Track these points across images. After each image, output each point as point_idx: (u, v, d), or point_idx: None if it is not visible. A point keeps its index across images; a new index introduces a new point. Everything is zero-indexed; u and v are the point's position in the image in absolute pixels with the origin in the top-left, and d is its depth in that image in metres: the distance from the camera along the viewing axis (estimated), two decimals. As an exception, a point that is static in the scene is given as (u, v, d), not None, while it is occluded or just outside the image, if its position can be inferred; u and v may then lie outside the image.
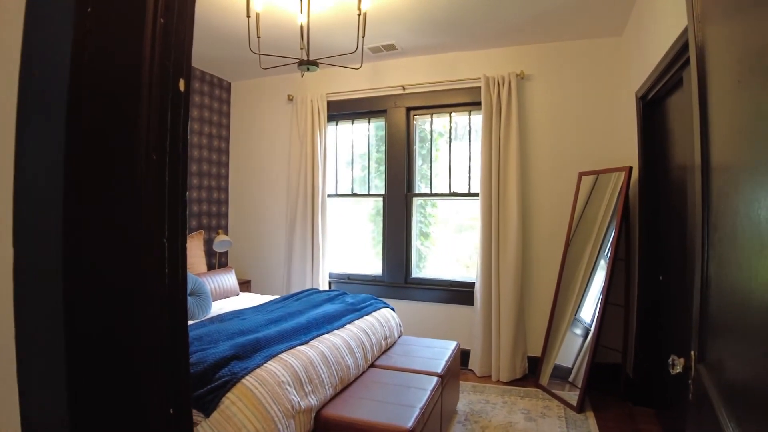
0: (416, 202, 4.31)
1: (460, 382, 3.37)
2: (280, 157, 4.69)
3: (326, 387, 2.24)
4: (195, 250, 4.07)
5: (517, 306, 3.68)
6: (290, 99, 4.58)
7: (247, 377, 1.92)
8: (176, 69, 0.72)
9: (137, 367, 0.68)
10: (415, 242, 4.32)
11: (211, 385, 1.87)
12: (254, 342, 2.23)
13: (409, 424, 2.01)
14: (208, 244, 4.61)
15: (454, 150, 4.18)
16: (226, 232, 4.91)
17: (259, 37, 2.83)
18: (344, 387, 2.42)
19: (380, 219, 4.40)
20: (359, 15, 2.59)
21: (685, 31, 1.90)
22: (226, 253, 4.85)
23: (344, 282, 4.46)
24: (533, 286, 3.81)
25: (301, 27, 2.80)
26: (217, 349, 2.11)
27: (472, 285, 3.96)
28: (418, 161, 4.33)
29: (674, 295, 2.64)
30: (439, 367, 2.73)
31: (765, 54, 0.66)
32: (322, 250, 4.34)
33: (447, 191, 4.19)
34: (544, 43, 3.78)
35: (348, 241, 4.64)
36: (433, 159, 4.28)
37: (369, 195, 4.50)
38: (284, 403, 1.92)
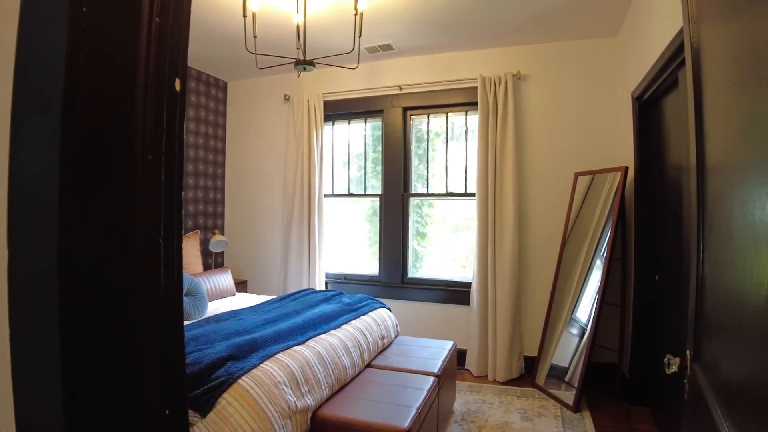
0: (413, 202, 4.31)
1: (457, 382, 3.38)
2: (276, 157, 4.68)
3: (323, 387, 2.24)
4: (191, 250, 4.06)
5: (514, 306, 3.69)
6: (287, 99, 4.57)
7: (244, 377, 1.92)
8: (172, 69, 0.72)
9: (133, 368, 0.68)
10: (412, 242, 4.32)
11: (208, 385, 1.87)
12: (251, 342, 2.23)
13: (406, 424, 2.02)
14: (205, 244, 4.59)
15: (450, 150, 4.18)
16: (223, 232, 4.90)
17: (255, 37, 2.82)
18: (341, 387, 2.42)
19: (377, 219, 4.40)
20: (356, 15, 2.59)
21: (681, 31, 1.91)
22: (222, 253, 4.84)
23: (341, 282, 4.46)
24: (529, 286, 3.82)
25: (298, 27, 2.79)
26: (213, 349, 2.10)
27: (468, 285, 3.96)
28: (415, 161, 4.34)
29: (670, 295, 2.66)
30: (436, 367, 2.73)
31: (759, 54, 0.66)
32: (318, 251, 4.33)
33: (443, 191, 4.19)
34: (541, 43, 3.79)
35: (345, 242, 4.64)
36: (429, 159, 4.28)
37: (365, 195, 4.50)
38: (281, 404, 1.92)
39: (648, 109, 3.00)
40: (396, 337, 3.34)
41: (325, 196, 4.48)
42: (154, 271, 0.70)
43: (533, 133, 3.82)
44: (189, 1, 0.76)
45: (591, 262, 3.28)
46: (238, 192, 4.88)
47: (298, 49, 2.85)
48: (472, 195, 3.97)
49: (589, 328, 3.11)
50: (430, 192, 4.26)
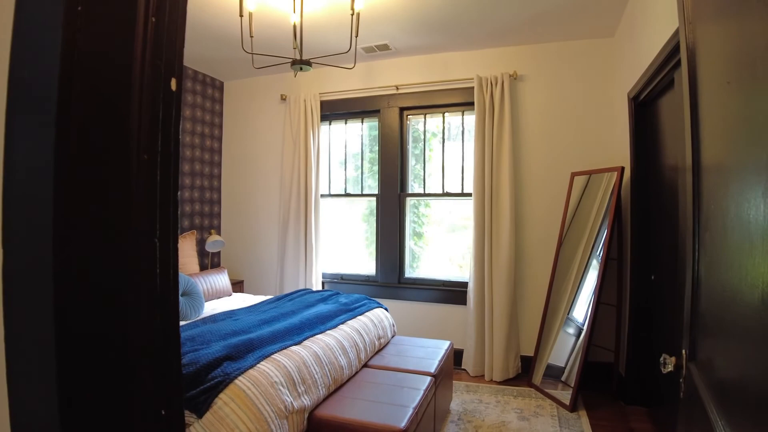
0: (409, 202, 4.32)
1: (454, 381, 3.38)
2: (272, 157, 4.67)
3: (319, 387, 2.24)
4: (187, 250, 4.05)
5: (510, 306, 3.69)
6: (283, 99, 4.57)
7: (240, 378, 1.92)
8: (168, 68, 0.72)
9: (128, 369, 0.68)
10: (409, 242, 4.32)
11: (204, 385, 1.87)
12: (247, 342, 2.22)
13: (403, 424, 2.02)
14: (201, 244, 4.58)
15: (447, 150, 4.19)
16: (219, 233, 4.89)
17: (252, 37, 2.82)
18: (337, 387, 2.42)
19: (373, 219, 4.40)
20: (352, 15, 2.59)
21: (677, 32, 1.92)
22: (218, 254, 4.82)
23: (337, 282, 4.45)
24: (526, 286, 3.83)
25: (294, 26, 2.79)
26: (209, 349, 2.10)
27: (465, 285, 3.97)
28: (412, 161, 4.34)
29: (666, 295, 2.67)
30: (433, 366, 2.74)
31: (754, 55, 0.67)
32: (315, 251, 4.33)
33: (440, 191, 4.19)
34: (537, 43, 3.79)
35: (341, 242, 4.63)
36: (426, 159, 4.28)
37: (362, 195, 4.50)
38: (277, 404, 1.91)
39: (644, 109, 3.02)
40: (393, 337, 3.34)
41: (322, 196, 4.48)
42: (150, 271, 0.70)
43: (530, 133, 3.83)
44: (185, 0, 0.75)
45: (587, 262, 3.29)
46: (235, 192, 4.87)
47: (294, 48, 2.85)
48: (469, 195, 3.98)
49: (585, 327, 3.11)
50: (426, 192, 4.26)
